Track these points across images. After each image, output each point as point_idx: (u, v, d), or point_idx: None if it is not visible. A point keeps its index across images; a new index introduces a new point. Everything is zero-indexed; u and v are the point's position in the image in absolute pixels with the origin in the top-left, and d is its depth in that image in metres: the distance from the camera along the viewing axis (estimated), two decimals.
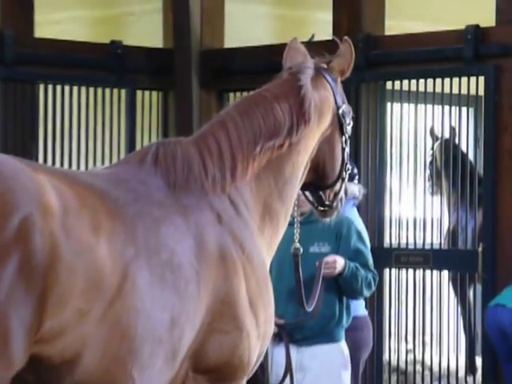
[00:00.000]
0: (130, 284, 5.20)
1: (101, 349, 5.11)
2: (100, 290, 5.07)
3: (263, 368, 7.67)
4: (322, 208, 6.53)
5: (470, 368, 13.62)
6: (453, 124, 14.12)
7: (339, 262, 8.22)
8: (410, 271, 13.45)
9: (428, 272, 13.30)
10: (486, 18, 12.62)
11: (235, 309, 5.64)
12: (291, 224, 6.59)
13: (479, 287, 13.12)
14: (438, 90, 13.38)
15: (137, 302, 5.20)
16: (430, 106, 13.85)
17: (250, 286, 5.74)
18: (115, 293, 5.12)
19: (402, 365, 13.67)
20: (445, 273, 13.78)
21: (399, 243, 13.41)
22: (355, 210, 9.73)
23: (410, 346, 13.87)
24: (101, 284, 5.08)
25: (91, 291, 5.03)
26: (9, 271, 4.75)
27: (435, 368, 13.38)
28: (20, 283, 4.78)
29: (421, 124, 13.83)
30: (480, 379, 13.02)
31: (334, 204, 6.52)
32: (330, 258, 8.23)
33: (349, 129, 6.41)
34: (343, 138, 6.33)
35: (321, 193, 6.40)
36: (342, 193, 6.58)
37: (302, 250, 7.54)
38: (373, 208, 13.17)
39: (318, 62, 6.20)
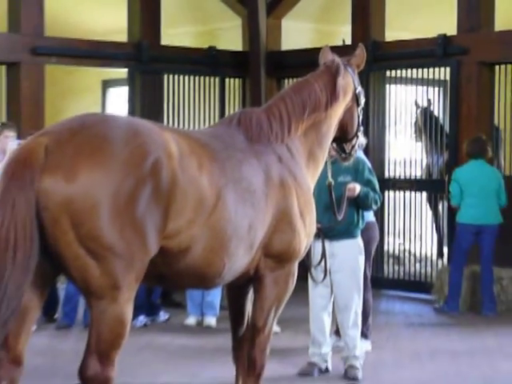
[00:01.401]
0: (222, 202, 5.95)
1: (203, 243, 5.88)
2: (202, 206, 5.83)
3: (308, 255, 8.08)
4: (344, 155, 7.41)
5: (439, 254, 15.55)
6: (429, 98, 15.70)
7: (357, 188, 9.03)
8: (402, 193, 15.09)
9: (413, 194, 15.03)
10: (451, 27, 13.93)
11: (290, 217, 6.41)
12: (326, 163, 7.32)
13: (445, 203, 14.64)
14: (420, 76, 14.92)
15: (226, 214, 5.98)
16: (414, 87, 15.48)
17: (300, 203, 6.48)
18: (212, 208, 5.89)
19: (396, 253, 15.65)
20: (423, 194, 15.19)
21: (394, 175, 14.98)
22: (362, 152, 10.23)
23: (401, 241, 15.62)
24: (203, 202, 5.83)
25: (197, 207, 5.79)
26: (146, 193, 5.46)
27: (417, 254, 15.18)
28: (153, 200, 5.50)
29: (408, 98, 15.43)
30: (446, 261, 14.53)
31: (352, 153, 7.44)
32: (351, 185, 9.00)
33: (362, 103, 7.22)
34: (358, 109, 7.21)
35: (343, 144, 7.29)
36: (356, 145, 7.47)
37: (333, 181, 8.07)
38: (378, 152, 14.65)
39: (343, 59, 7.02)
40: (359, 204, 9.25)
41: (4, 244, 5.24)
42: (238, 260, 6.15)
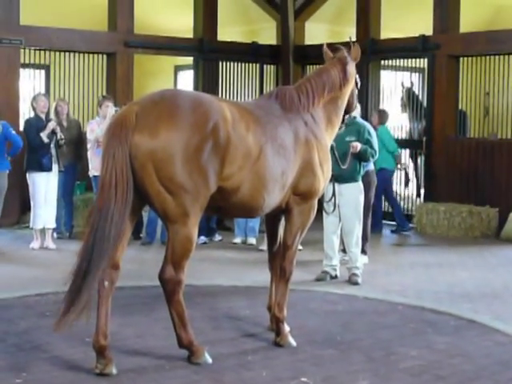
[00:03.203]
0: (263, 154, 5.89)
1: (249, 184, 5.84)
2: (249, 156, 5.79)
3: (323, 194, 7.62)
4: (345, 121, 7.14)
5: (418, 194, 15.28)
6: (412, 81, 15.50)
7: (358, 145, 8.92)
8: None
9: (400, 150, 14.15)
10: (429, 29, 13.74)
11: (312, 166, 6.30)
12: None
13: (423, 157, 14.50)
14: (405, 65, 14.91)
15: (266, 163, 5.92)
16: (401, 73, 15.40)
17: (320, 155, 6.38)
18: (256, 158, 5.84)
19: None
20: (407, 151, 15.08)
21: None
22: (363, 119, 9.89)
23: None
24: (249, 154, 5.79)
25: (245, 157, 5.77)
26: (208, 147, 5.48)
27: (402, 194, 14.98)
28: (213, 152, 5.52)
29: (397, 81, 15.30)
30: (422, 199, 14.32)
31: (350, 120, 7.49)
32: (354, 143, 8.90)
33: (359, 86, 7.13)
34: (356, 91, 7.09)
35: (346, 115, 7.06)
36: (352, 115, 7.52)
37: (335, 144, 7.52)
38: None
39: (347, 53, 6.81)
40: (360, 157, 9.09)
41: (108, 184, 5.36)
42: (274, 197, 6.11)
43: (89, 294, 5.28)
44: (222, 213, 6.63)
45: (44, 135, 10.83)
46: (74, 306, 5.25)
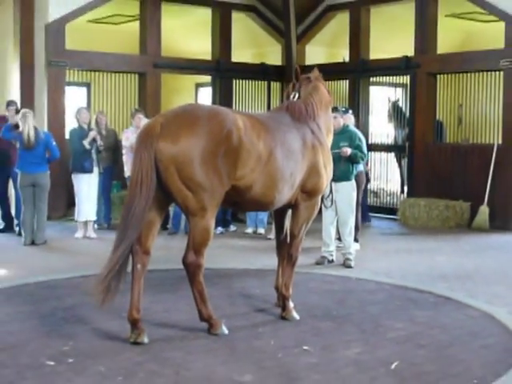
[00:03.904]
0: (273, 157, 5.79)
1: (261, 183, 5.76)
2: (260, 160, 5.70)
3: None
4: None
5: (401, 191, 15.27)
6: (397, 95, 15.41)
7: (349, 150, 8.87)
8: (379, 153, 14.77)
9: (386, 154, 14.86)
10: (410, 50, 13.56)
11: (317, 168, 6.22)
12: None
13: (406, 160, 14.38)
14: (391, 81, 14.81)
15: (276, 165, 5.83)
16: (387, 88, 15.40)
17: (323, 158, 6.31)
18: (266, 161, 5.75)
19: (375, 190, 15.17)
20: (392, 154, 15.08)
21: (375, 142, 14.56)
22: (355, 127, 9.84)
23: (378, 183, 15.24)
24: (260, 157, 5.70)
25: (256, 160, 5.68)
26: (222, 151, 5.41)
27: (388, 191, 14.98)
28: (226, 156, 5.45)
29: (384, 95, 15.43)
30: (405, 195, 14.17)
31: None
32: (344, 148, 8.87)
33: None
34: None
35: None
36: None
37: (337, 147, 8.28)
38: (365, 128, 14.00)
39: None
40: (352, 160, 9.03)
41: (135, 182, 5.38)
42: (284, 195, 6.05)
43: (118, 271, 5.34)
44: (238, 207, 6.60)
45: (86, 142, 10.90)
46: (107, 283, 5.32)
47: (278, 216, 6.62)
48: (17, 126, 10.30)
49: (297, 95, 6.51)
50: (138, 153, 5.41)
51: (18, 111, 10.97)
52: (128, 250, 5.37)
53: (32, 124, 10.18)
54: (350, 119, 9.93)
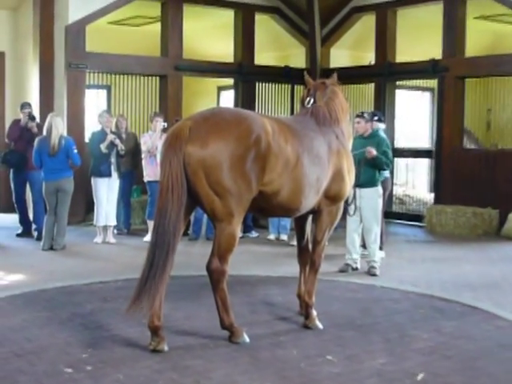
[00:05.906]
0: (300, 163, 5.83)
1: (288, 189, 5.79)
2: (288, 165, 5.73)
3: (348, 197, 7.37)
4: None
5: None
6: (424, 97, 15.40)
7: (374, 150, 8.84)
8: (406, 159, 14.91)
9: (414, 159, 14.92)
10: (438, 53, 13.56)
11: (342, 173, 6.29)
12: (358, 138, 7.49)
13: (433, 165, 14.24)
14: (418, 84, 15.10)
15: (303, 170, 5.86)
16: (414, 92, 15.74)
17: (347, 164, 6.37)
18: (294, 166, 5.78)
19: (401, 197, 15.31)
20: (418, 159, 15.01)
21: (400, 147, 14.64)
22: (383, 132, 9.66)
23: (404, 189, 15.49)
24: (288, 162, 5.73)
25: (284, 165, 5.70)
26: (251, 156, 5.45)
27: (414, 197, 14.99)
28: (255, 161, 5.49)
29: (412, 98, 15.68)
30: (432, 202, 14.03)
31: None
32: (369, 148, 8.85)
33: None
34: None
35: None
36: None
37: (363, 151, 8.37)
38: (390, 132, 13.70)
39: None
40: (376, 165, 8.99)
41: (166, 188, 5.38)
42: (310, 200, 6.07)
43: (154, 284, 5.28)
44: (265, 213, 6.56)
45: (103, 146, 10.92)
46: (141, 293, 5.28)
47: (299, 222, 6.61)
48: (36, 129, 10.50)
49: (312, 100, 6.52)
50: (167, 157, 5.41)
51: (31, 114, 11.03)
52: (167, 256, 5.39)
53: (61, 130, 10.29)
54: (376, 125, 9.91)
